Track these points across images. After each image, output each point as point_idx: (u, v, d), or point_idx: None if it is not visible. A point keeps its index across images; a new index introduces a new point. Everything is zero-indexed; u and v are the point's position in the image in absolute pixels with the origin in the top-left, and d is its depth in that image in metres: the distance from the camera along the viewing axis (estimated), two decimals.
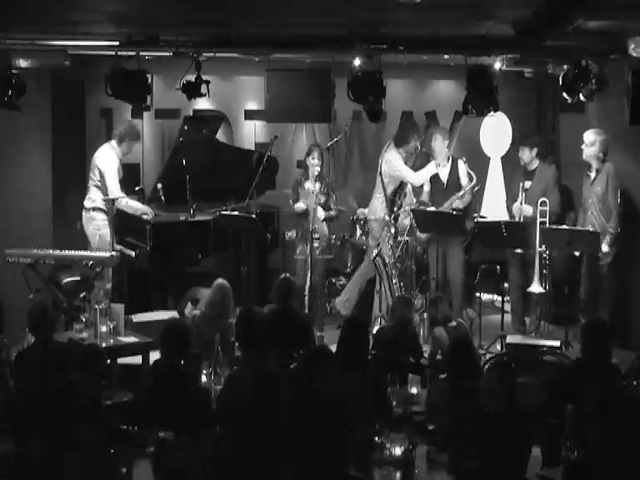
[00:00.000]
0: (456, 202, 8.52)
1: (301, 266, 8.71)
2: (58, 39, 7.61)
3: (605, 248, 7.88)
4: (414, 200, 9.03)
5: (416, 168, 8.94)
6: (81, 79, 9.44)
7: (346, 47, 7.52)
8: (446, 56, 8.64)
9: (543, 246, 8.13)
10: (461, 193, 8.51)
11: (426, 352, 7.06)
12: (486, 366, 6.51)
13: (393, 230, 8.80)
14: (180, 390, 5.27)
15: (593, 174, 8.11)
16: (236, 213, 8.61)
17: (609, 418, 4.51)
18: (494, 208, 8.97)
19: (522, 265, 8.49)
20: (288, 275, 7.42)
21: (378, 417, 5.06)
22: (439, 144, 8.65)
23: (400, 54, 7.92)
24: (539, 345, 7.57)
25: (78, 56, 8.41)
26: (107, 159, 8.44)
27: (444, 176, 8.70)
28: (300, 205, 8.72)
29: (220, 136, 9.59)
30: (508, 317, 8.63)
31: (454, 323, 7.10)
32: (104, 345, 6.75)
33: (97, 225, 8.41)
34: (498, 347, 7.97)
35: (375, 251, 8.68)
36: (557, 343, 7.64)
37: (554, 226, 8.15)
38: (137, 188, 9.12)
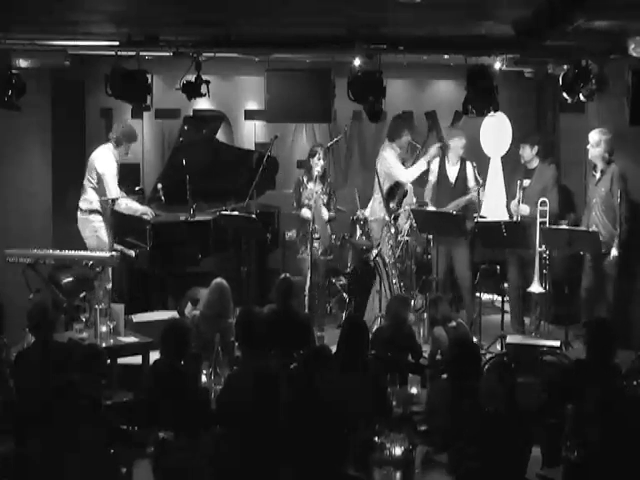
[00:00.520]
0: (460, 202, 8.53)
1: (305, 266, 8.68)
2: (58, 39, 7.61)
3: (614, 252, 7.88)
4: (414, 200, 9.03)
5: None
6: (81, 79, 9.44)
7: (346, 47, 7.52)
8: (446, 56, 8.64)
9: (543, 246, 8.13)
10: (467, 197, 8.50)
11: (426, 352, 7.06)
12: (486, 366, 6.52)
13: (393, 230, 8.80)
14: (180, 390, 5.27)
15: (598, 174, 8.11)
16: (236, 213, 8.61)
17: (609, 418, 4.51)
18: (494, 208, 8.96)
19: (521, 265, 8.49)
20: (288, 275, 7.42)
21: (378, 417, 5.07)
22: (459, 144, 8.62)
23: (400, 54, 7.92)
24: (539, 345, 7.57)
25: (78, 56, 8.41)
26: (105, 161, 8.41)
27: (452, 176, 8.69)
28: (306, 212, 8.62)
29: (220, 136, 9.59)
30: (508, 317, 8.63)
31: (454, 323, 7.09)
32: (104, 345, 6.75)
33: (94, 227, 8.36)
34: (498, 347, 7.97)
35: (375, 251, 8.68)
36: (557, 343, 7.64)
37: (554, 226, 8.15)
38: (137, 188, 9.12)
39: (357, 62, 7.69)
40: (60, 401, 4.68)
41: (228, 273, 8.08)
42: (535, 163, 8.49)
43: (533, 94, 10.51)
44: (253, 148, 9.84)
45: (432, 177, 8.85)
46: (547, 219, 8.17)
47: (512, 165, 9.27)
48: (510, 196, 8.61)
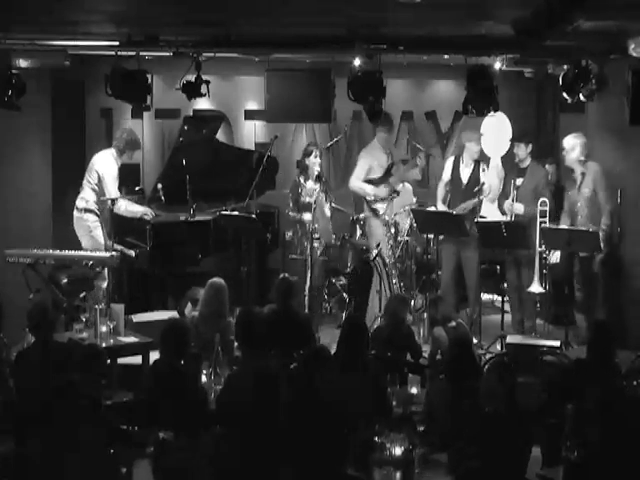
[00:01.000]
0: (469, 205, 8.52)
1: (300, 266, 8.67)
2: (58, 39, 7.60)
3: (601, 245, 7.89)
4: (414, 200, 9.03)
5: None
6: (81, 79, 9.44)
7: (346, 47, 7.52)
8: (446, 56, 8.64)
9: (543, 246, 8.13)
10: (475, 200, 8.49)
11: (426, 352, 7.07)
12: (486, 366, 6.52)
13: (393, 230, 8.80)
14: (180, 390, 5.27)
15: (579, 178, 8.12)
16: (236, 213, 8.60)
17: (609, 418, 4.52)
18: (494, 208, 8.96)
19: (518, 265, 8.48)
20: (287, 275, 7.42)
21: (378, 417, 5.07)
22: (474, 149, 8.61)
23: (400, 54, 7.92)
24: (539, 345, 7.56)
25: (78, 56, 8.41)
26: (106, 164, 8.41)
27: (465, 177, 8.66)
28: (307, 216, 8.59)
29: (220, 136, 9.59)
30: (508, 317, 8.63)
31: (453, 323, 7.09)
32: (104, 345, 6.74)
33: (88, 226, 8.36)
34: (498, 347, 7.97)
35: (375, 251, 8.68)
36: (557, 343, 7.64)
37: (554, 226, 8.15)
38: (137, 188, 9.12)
39: (357, 62, 7.68)
40: (60, 401, 4.68)
41: (228, 273, 8.08)
42: (527, 162, 8.48)
43: (533, 94, 10.51)
44: (253, 148, 9.84)
45: (445, 176, 8.81)
46: (547, 219, 8.17)
47: (506, 163, 9.28)
48: (504, 195, 8.58)
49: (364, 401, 5.16)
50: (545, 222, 8.15)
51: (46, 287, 8.10)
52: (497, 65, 8.01)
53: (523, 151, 8.44)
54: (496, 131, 9.93)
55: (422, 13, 6.48)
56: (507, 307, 8.67)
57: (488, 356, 7.53)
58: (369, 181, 8.77)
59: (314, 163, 8.61)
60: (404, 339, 6.86)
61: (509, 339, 7.86)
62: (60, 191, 9.14)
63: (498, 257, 8.92)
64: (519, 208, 8.27)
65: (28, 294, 7.79)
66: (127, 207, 8.48)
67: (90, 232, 8.36)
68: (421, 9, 6.19)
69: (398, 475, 4.66)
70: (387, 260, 8.65)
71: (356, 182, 8.83)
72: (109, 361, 6.25)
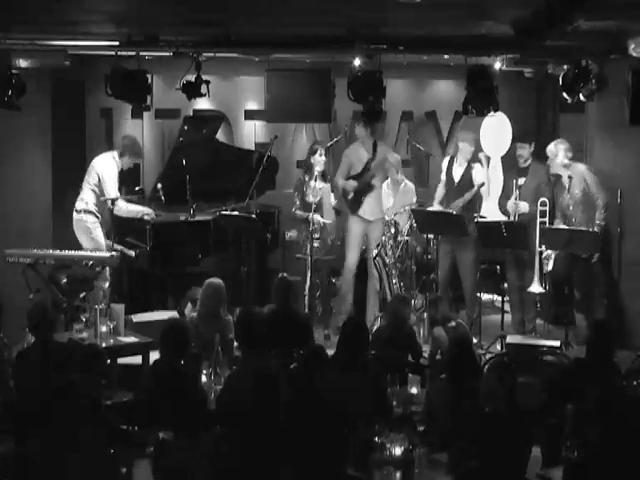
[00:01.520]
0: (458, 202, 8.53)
1: (301, 266, 8.67)
2: (58, 39, 7.61)
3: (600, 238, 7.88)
4: (414, 200, 9.03)
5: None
6: (81, 79, 9.44)
7: (346, 47, 7.52)
8: (446, 56, 8.64)
9: (543, 246, 8.13)
10: (464, 198, 8.50)
11: (426, 352, 7.06)
12: (486, 366, 6.52)
13: (393, 230, 8.80)
14: (180, 390, 5.27)
15: (567, 182, 8.11)
16: (236, 213, 8.60)
17: (609, 418, 4.51)
18: (494, 208, 8.96)
19: (519, 265, 8.48)
20: (286, 275, 7.42)
21: (378, 417, 5.06)
22: (467, 149, 8.63)
23: (400, 54, 7.92)
24: (539, 345, 7.57)
25: (78, 56, 8.41)
26: (107, 166, 8.42)
27: (458, 175, 8.68)
28: (318, 218, 8.58)
29: (220, 136, 9.59)
30: (508, 317, 8.62)
31: (453, 323, 7.09)
32: (104, 345, 6.74)
33: (87, 228, 8.35)
34: (498, 347, 7.96)
35: (375, 251, 8.68)
36: (557, 343, 7.64)
37: (554, 226, 8.14)
38: (137, 188, 9.11)
39: (357, 62, 7.69)
40: (60, 401, 4.68)
41: (228, 273, 8.09)
42: (529, 161, 8.48)
43: (533, 94, 10.51)
44: (253, 148, 9.84)
45: (443, 176, 8.84)
46: (547, 219, 8.17)
47: (508, 164, 9.28)
48: (505, 194, 8.57)
49: (364, 401, 5.16)
50: (545, 222, 8.15)
51: (46, 287, 8.10)
52: (497, 65, 8.01)
53: (527, 152, 8.44)
54: (496, 131, 9.93)
55: (422, 13, 6.49)
56: (507, 307, 8.67)
57: (488, 356, 7.52)
58: (353, 177, 8.80)
59: (319, 162, 8.61)
60: (406, 339, 6.86)
61: (509, 339, 7.87)
62: (60, 191, 9.14)
63: (499, 257, 8.91)
64: (524, 207, 8.26)
65: (28, 294, 7.79)
66: (128, 208, 8.48)
67: (90, 233, 8.36)
68: (421, 9, 6.19)
69: (398, 475, 4.66)
70: (387, 260, 8.65)
71: (340, 180, 8.87)
72: (109, 361, 6.26)
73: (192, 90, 7.60)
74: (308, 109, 7.93)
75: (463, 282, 8.64)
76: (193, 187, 8.69)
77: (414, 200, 9.01)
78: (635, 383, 5.78)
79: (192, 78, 7.58)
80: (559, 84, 7.59)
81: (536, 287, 8.13)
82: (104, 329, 6.92)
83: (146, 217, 8.54)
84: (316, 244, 8.55)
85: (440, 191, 8.81)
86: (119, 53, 7.52)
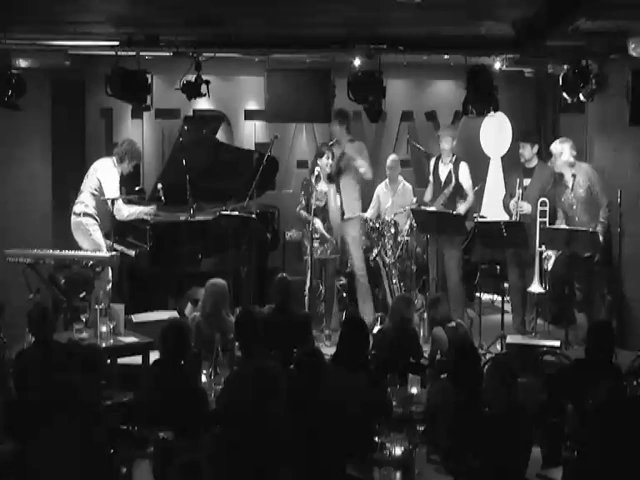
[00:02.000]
0: (462, 207, 8.53)
1: (314, 266, 8.64)
2: (58, 39, 7.61)
3: (599, 238, 7.88)
4: (414, 200, 9.03)
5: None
6: (81, 79, 9.43)
7: (346, 47, 7.53)
8: (446, 56, 8.64)
9: (543, 246, 8.13)
10: (447, 193, 8.52)
11: (426, 352, 7.06)
12: (486, 366, 6.51)
13: (393, 230, 8.80)
14: (180, 390, 5.27)
15: (570, 180, 8.10)
16: (236, 213, 8.60)
17: (609, 418, 4.51)
18: (494, 208, 8.97)
19: (520, 265, 8.48)
20: (286, 275, 7.42)
21: (378, 417, 5.06)
22: (449, 145, 8.64)
23: (400, 54, 7.92)
24: (539, 345, 7.57)
25: (78, 56, 8.41)
26: (107, 169, 8.42)
27: (443, 174, 8.70)
28: (318, 224, 8.53)
29: (220, 136, 9.59)
30: (508, 317, 8.62)
31: (453, 323, 7.09)
32: (104, 345, 6.76)
33: (87, 230, 8.32)
34: (498, 347, 7.96)
35: (375, 251, 8.68)
36: (557, 343, 7.64)
37: (554, 226, 8.14)
38: (137, 188, 9.11)
39: (357, 62, 7.70)
40: (60, 401, 4.67)
41: (228, 273, 8.08)
42: (534, 162, 8.47)
43: (533, 94, 10.51)
44: (253, 148, 9.84)
45: (430, 177, 8.88)
46: (547, 219, 8.16)
47: (509, 164, 9.28)
48: (508, 194, 8.58)
49: (364, 401, 5.16)
50: (545, 222, 8.14)
51: (46, 287, 8.10)
52: (497, 65, 8.03)
53: (529, 152, 8.42)
54: (496, 131, 9.94)
55: (422, 13, 6.49)
56: (507, 307, 8.67)
57: (488, 356, 7.52)
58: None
59: (326, 164, 8.59)
60: (410, 340, 6.86)
61: (509, 339, 7.87)
62: (60, 191, 9.14)
63: (498, 257, 8.91)
64: (527, 207, 8.26)
65: (28, 294, 7.80)
66: (130, 210, 8.46)
67: (90, 235, 8.35)
68: (421, 9, 6.20)
69: (398, 475, 4.66)
70: (387, 260, 8.65)
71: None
72: (109, 361, 6.27)
73: (192, 90, 7.61)
74: (308, 109, 7.93)
75: (447, 280, 8.62)
76: (193, 187, 8.69)
77: (414, 200, 9.02)
78: (635, 383, 5.77)
79: (192, 78, 7.58)
80: (559, 84, 7.60)
81: (536, 287, 8.13)
82: (104, 329, 6.92)
83: (147, 217, 8.54)
84: (316, 244, 8.54)
85: (428, 190, 8.83)
86: (119, 53, 7.52)
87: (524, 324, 8.58)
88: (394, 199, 9.14)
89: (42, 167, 9.20)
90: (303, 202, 8.70)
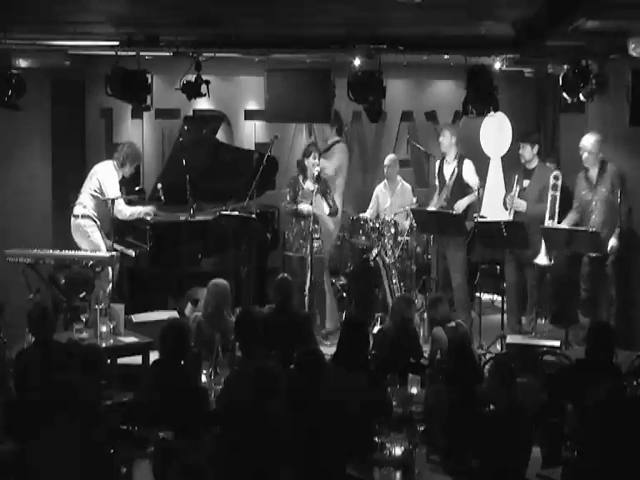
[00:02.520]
0: (463, 202, 8.52)
1: (298, 265, 8.64)
2: (58, 39, 7.61)
3: (614, 242, 7.86)
4: (414, 200, 9.03)
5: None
6: (81, 79, 9.43)
7: (346, 47, 7.53)
8: (446, 56, 8.64)
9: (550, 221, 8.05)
10: (468, 198, 8.50)
11: (426, 352, 7.07)
12: (486, 366, 6.52)
13: (393, 230, 8.80)
14: (180, 390, 5.27)
15: (595, 176, 8.08)
16: (236, 213, 8.60)
17: (609, 418, 4.51)
18: (494, 208, 8.96)
19: (518, 264, 8.46)
20: (286, 275, 7.42)
21: (378, 417, 5.06)
22: (447, 140, 8.64)
23: (400, 54, 7.92)
24: (539, 345, 7.57)
25: (78, 56, 8.41)
26: (107, 172, 8.43)
27: (448, 173, 8.68)
28: (303, 207, 8.59)
29: (220, 136, 9.59)
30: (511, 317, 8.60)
31: (453, 323, 7.09)
32: (104, 345, 6.75)
33: (86, 232, 8.33)
34: (498, 347, 7.96)
35: (375, 251, 8.68)
36: (557, 343, 7.64)
37: (555, 226, 8.14)
38: (137, 188, 9.12)
39: (357, 62, 7.70)
40: (60, 401, 4.67)
41: (228, 273, 8.08)
42: (534, 163, 8.47)
43: (533, 94, 10.51)
44: (253, 148, 9.84)
45: (435, 181, 8.86)
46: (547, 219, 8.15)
47: (509, 164, 9.27)
48: (509, 194, 8.56)
49: (364, 401, 5.16)
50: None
51: (46, 287, 8.10)
52: (497, 65, 8.03)
53: (529, 152, 8.40)
54: (496, 131, 9.94)
55: (422, 13, 6.49)
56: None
57: (488, 356, 7.53)
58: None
59: (313, 164, 8.60)
60: (410, 340, 6.86)
61: (509, 339, 7.86)
62: (60, 191, 9.14)
63: (498, 257, 8.90)
64: (521, 204, 8.25)
65: (28, 294, 7.80)
66: (131, 210, 8.46)
67: (88, 237, 8.35)
68: (421, 9, 6.20)
69: (398, 475, 4.66)
70: (387, 260, 8.65)
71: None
72: (109, 361, 6.27)
73: (192, 90, 7.61)
74: (308, 109, 7.93)
75: (452, 281, 8.61)
76: (193, 187, 8.70)
77: (413, 200, 9.01)
78: (635, 383, 5.78)
79: (192, 78, 7.58)
80: (559, 84, 7.59)
81: (542, 258, 8.02)
82: (104, 329, 6.92)
83: (147, 217, 8.54)
84: (316, 244, 8.54)
85: (436, 197, 8.80)
86: (119, 53, 7.52)
87: (520, 324, 8.56)
88: (393, 199, 9.14)
89: (42, 167, 9.20)
90: (288, 198, 8.71)
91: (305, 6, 6.45)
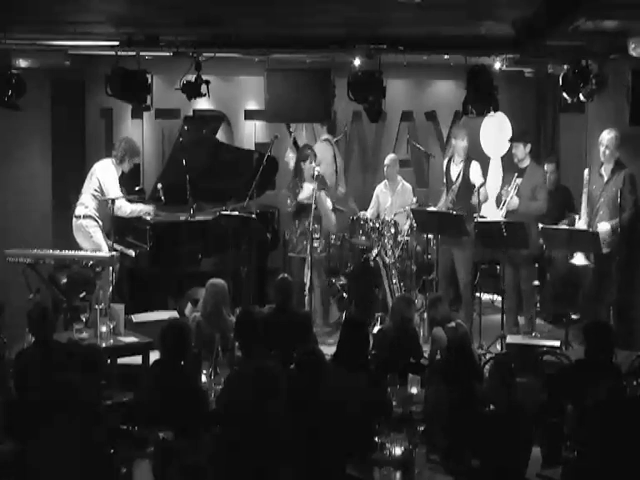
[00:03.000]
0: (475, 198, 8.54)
1: (299, 265, 8.65)
2: (58, 39, 7.62)
3: (607, 226, 7.84)
4: (414, 200, 9.03)
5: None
6: (81, 79, 9.43)
7: (346, 47, 7.53)
8: (446, 56, 8.64)
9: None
10: (454, 189, 8.52)
11: (426, 352, 7.07)
12: (486, 366, 6.52)
13: (393, 230, 8.80)
14: (180, 390, 5.27)
15: (607, 175, 8.05)
16: (236, 213, 8.60)
17: (609, 418, 4.51)
18: (494, 208, 8.95)
19: (514, 265, 8.45)
20: (286, 275, 7.42)
21: (378, 417, 5.06)
22: (463, 143, 8.62)
23: (400, 54, 7.92)
24: (539, 345, 7.57)
25: (78, 56, 8.41)
26: (107, 170, 8.43)
27: (454, 174, 8.67)
28: (307, 188, 8.58)
29: (220, 136, 9.59)
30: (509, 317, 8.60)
31: (453, 323, 7.09)
32: (104, 345, 6.75)
33: (88, 232, 8.33)
34: (498, 347, 7.96)
35: (375, 251, 8.68)
36: (557, 343, 7.64)
37: (554, 226, 8.14)
38: (137, 188, 9.12)
39: (357, 62, 7.70)
40: (60, 401, 4.67)
41: (228, 273, 8.08)
42: (526, 162, 8.46)
43: (533, 94, 10.51)
44: (253, 148, 9.84)
45: (443, 179, 8.85)
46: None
47: (509, 164, 9.27)
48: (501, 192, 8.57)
49: (364, 401, 5.16)
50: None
51: (46, 287, 8.10)
52: (497, 65, 8.03)
53: (521, 151, 8.41)
54: (496, 131, 9.93)
55: (422, 13, 6.49)
56: None
57: (488, 356, 7.52)
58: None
59: (309, 169, 8.61)
60: (410, 340, 6.86)
61: (509, 339, 7.86)
62: (60, 191, 9.15)
63: (498, 257, 8.90)
64: (514, 202, 8.25)
65: (28, 294, 7.80)
66: (131, 208, 8.47)
67: (90, 237, 8.36)
68: (421, 9, 6.20)
69: (398, 475, 4.66)
70: (387, 260, 8.65)
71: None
72: (109, 361, 6.26)
73: (192, 90, 7.61)
74: (308, 109, 7.93)
75: (459, 281, 8.61)
76: (193, 187, 8.70)
77: (414, 200, 9.01)
78: (635, 383, 5.78)
79: (192, 78, 7.58)
80: (559, 84, 7.59)
81: (580, 259, 7.94)
82: (104, 329, 6.92)
83: (147, 216, 8.54)
84: (316, 244, 8.55)
85: (443, 197, 8.78)
86: (119, 53, 7.52)
87: (517, 325, 8.55)
88: (393, 199, 9.14)
89: (42, 167, 9.20)
90: (289, 201, 8.73)
91: (305, 6, 6.45)
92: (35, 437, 4.56)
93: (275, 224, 9.39)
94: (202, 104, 9.26)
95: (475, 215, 8.55)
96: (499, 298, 8.64)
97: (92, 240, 8.34)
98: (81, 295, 8.03)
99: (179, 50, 7.51)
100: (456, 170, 8.66)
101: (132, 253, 8.55)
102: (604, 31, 6.97)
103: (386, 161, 9.30)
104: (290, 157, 8.99)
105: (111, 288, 8.23)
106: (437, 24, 7.15)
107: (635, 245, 8.09)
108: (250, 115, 10.19)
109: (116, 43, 7.47)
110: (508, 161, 9.59)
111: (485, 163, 10.01)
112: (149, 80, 7.46)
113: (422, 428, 5.13)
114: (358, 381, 5.30)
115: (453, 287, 8.79)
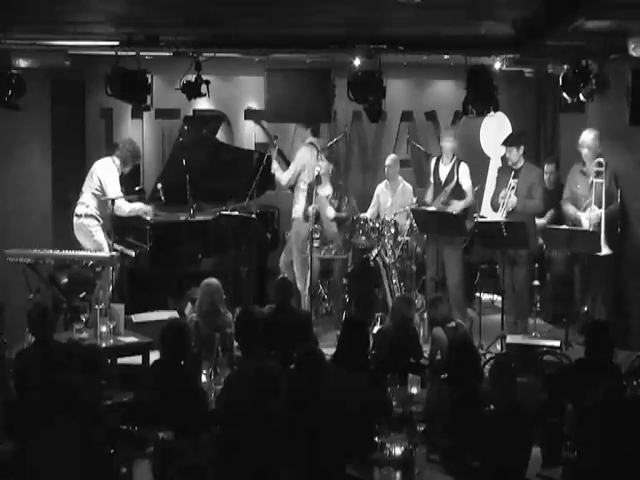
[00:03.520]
0: (460, 204, 8.53)
1: (301, 266, 8.66)
2: (58, 39, 7.61)
3: (597, 210, 7.86)
4: (414, 200, 9.03)
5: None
6: (81, 79, 9.43)
7: (346, 47, 7.52)
8: (446, 56, 8.64)
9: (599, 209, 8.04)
10: (448, 191, 8.53)
11: (426, 352, 7.07)
12: (486, 366, 6.51)
13: (393, 230, 8.80)
14: (180, 390, 5.27)
15: (591, 171, 8.07)
16: (236, 213, 8.60)
17: (609, 418, 4.51)
18: (490, 212, 8.95)
19: (510, 265, 8.43)
20: (286, 275, 7.42)
21: (378, 417, 5.06)
22: (451, 144, 8.66)
23: (400, 54, 7.92)
24: (539, 345, 7.57)
25: (78, 56, 8.41)
26: (107, 169, 8.45)
27: (443, 175, 8.70)
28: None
29: (220, 136, 9.59)
30: (508, 317, 8.59)
31: (453, 323, 7.09)
32: (104, 345, 6.75)
33: (89, 231, 8.35)
34: (498, 347, 7.96)
35: (375, 251, 8.68)
36: (557, 343, 7.64)
37: (555, 226, 8.14)
38: (137, 188, 9.12)
39: (357, 62, 7.70)
40: (60, 401, 4.67)
41: (228, 273, 8.08)
42: (520, 164, 8.47)
43: (533, 94, 10.52)
44: (253, 148, 9.84)
45: (430, 178, 8.88)
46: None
47: (503, 165, 9.27)
48: (499, 191, 8.56)
49: (364, 401, 5.16)
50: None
51: (46, 287, 8.10)
52: (497, 65, 8.02)
53: (515, 155, 8.45)
54: (496, 131, 9.93)
55: (422, 13, 6.49)
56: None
57: (488, 356, 7.52)
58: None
59: (320, 167, 8.62)
60: (410, 340, 6.86)
61: (509, 339, 7.86)
62: (60, 191, 9.15)
63: (498, 257, 8.89)
64: (512, 201, 8.25)
65: (28, 294, 7.80)
66: (131, 207, 8.48)
67: (92, 236, 8.36)
68: (421, 9, 6.20)
69: (398, 475, 4.66)
70: (387, 260, 8.65)
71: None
72: (109, 361, 6.26)
73: (192, 90, 7.61)
74: (308, 109, 7.93)
75: (448, 280, 8.60)
76: (193, 187, 8.70)
77: (414, 200, 9.02)
78: (635, 383, 5.78)
79: (192, 78, 7.58)
80: (559, 84, 7.59)
81: (605, 249, 7.95)
82: (104, 329, 6.92)
83: (146, 216, 8.54)
84: (316, 244, 8.54)
85: (429, 193, 8.82)
86: (119, 53, 7.52)
87: (516, 325, 8.53)
88: (394, 199, 9.14)
89: (42, 167, 9.20)
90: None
91: (305, 6, 6.45)
92: (35, 437, 4.56)
93: (275, 224, 9.39)
94: (202, 104, 9.26)
95: (475, 215, 8.55)
96: (499, 298, 8.64)
97: (93, 239, 8.34)
98: (81, 295, 8.04)
99: (179, 50, 7.51)
100: (445, 170, 8.69)
101: (132, 253, 8.55)
102: (604, 31, 6.97)
103: (387, 161, 9.30)
104: (275, 168, 8.98)
105: (111, 288, 8.24)
106: (437, 24, 7.15)
107: (621, 239, 8.11)
108: (250, 115, 10.17)
109: (116, 43, 7.46)
110: (503, 162, 9.60)
111: (485, 163, 10.03)
112: (149, 80, 7.46)
113: (422, 428, 5.13)
114: (358, 381, 5.30)
115: (442, 287, 8.76)
